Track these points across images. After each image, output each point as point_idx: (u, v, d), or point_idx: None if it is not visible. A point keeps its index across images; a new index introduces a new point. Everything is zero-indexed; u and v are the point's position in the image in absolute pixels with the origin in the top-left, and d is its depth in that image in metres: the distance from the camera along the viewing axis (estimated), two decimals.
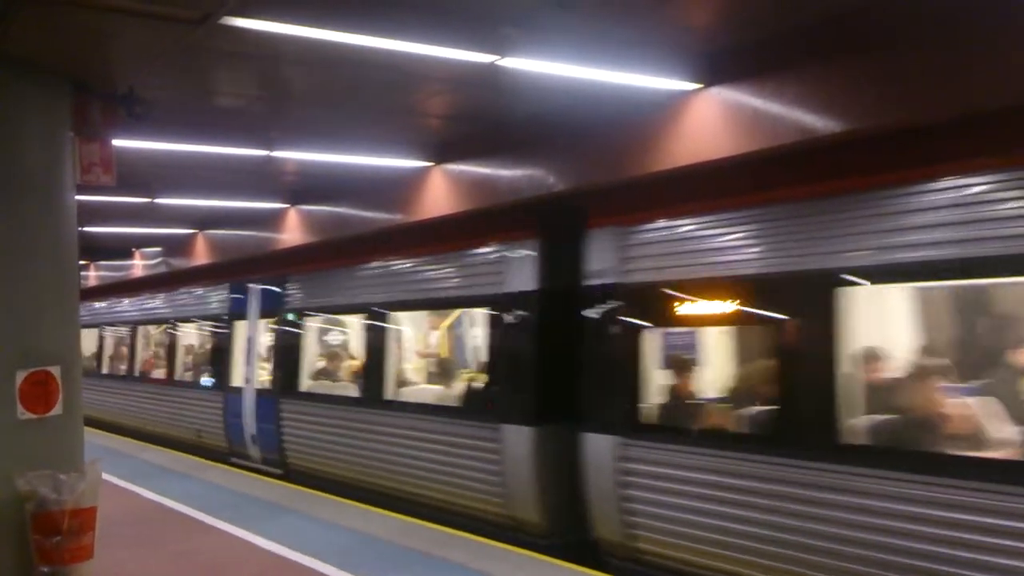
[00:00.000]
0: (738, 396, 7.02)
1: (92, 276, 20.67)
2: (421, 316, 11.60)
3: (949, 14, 4.95)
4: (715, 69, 6.18)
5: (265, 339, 12.95)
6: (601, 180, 7.24)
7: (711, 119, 6.22)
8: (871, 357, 6.12)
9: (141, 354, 17.83)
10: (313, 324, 12.18)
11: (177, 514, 8.98)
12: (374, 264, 10.72)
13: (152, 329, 17.59)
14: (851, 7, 5.31)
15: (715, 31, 5.88)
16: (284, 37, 5.17)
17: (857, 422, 5.80)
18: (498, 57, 5.62)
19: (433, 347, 11.98)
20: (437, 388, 10.20)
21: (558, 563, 7.02)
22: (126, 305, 19.11)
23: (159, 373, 16.54)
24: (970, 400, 5.78)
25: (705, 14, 5.65)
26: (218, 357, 14.09)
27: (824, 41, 5.56)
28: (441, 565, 6.93)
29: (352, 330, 12.30)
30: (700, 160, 6.34)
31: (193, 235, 15.10)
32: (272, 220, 12.38)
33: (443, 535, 7.97)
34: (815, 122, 5.58)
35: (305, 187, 11.15)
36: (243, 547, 7.56)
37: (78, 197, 5.74)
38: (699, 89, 6.30)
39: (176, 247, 15.90)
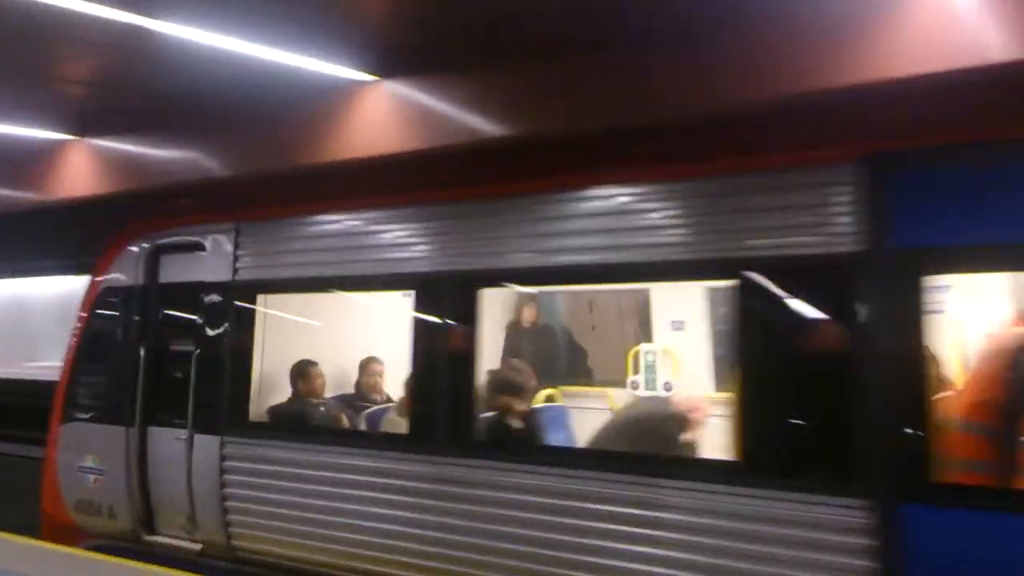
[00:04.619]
0: None
1: None
2: None
3: (624, 30, 5.17)
4: (390, 62, 6.00)
5: None
6: (265, 167, 6.81)
7: (382, 112, 6.06)
8: None
9: None
10: None
11: None
12: None
13: None
14: (521, 15, 5.38)
15: (390, 24, 5.70)
16: None
17: None
18: (146, 18, 5.01)
19: None
20: None
21: None
22: None
23: None
24: None
25: (378, 5, 5.46)
26: None
27: (495, 45, 5.60)
28: None
29: None
30: (370, 154, 6.15)
31: None
32: None
33: None
34: (482, 124, 5.62)
35: None
36: None
37: None
38: (374, 81, 6.11)
39: None
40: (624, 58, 5.17)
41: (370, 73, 6.08)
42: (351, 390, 7.24)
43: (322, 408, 6.83)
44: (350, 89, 6.19)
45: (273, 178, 6.93)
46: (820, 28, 4.56)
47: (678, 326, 7.41)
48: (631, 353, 7.43)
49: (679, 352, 7.35)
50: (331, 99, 6.29)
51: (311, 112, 6.44)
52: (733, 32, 4.81)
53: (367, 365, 7.20)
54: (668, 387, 7.12)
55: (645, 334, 7.71)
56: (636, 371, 7.41)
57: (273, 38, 5.52)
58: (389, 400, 7.04)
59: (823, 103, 4.67)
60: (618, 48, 5.20)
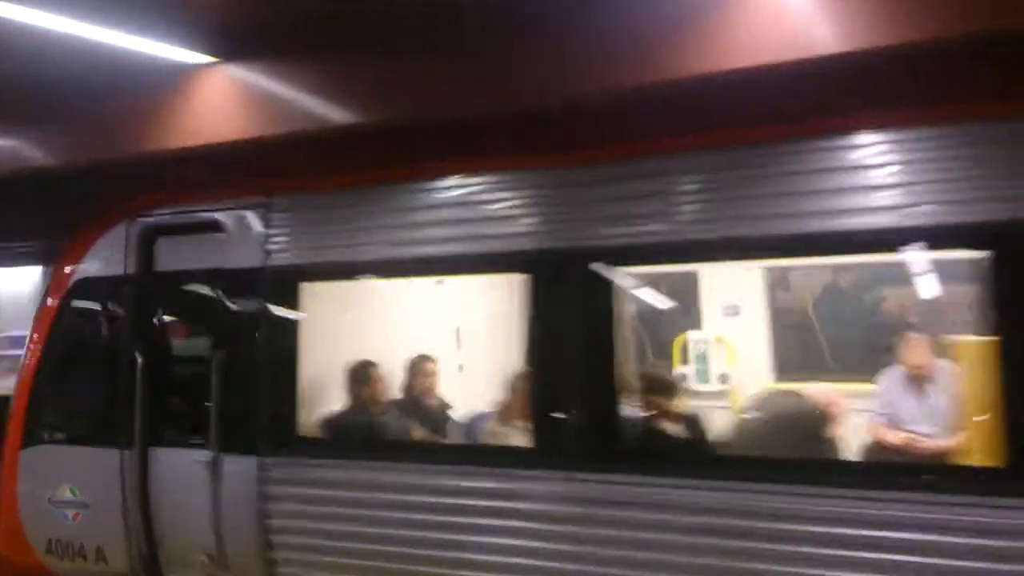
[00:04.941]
0: None
1: None
2: None
3: (470, 26, 5.06)
4: (231, 44, 5.70)
5: None
6: (98, 156, 6.38)
7: (222, 97, 5.78)
8: None
9: None
10: None
11: None
12: None
13: None
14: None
15: (230, 3, 5.44)
16: None
17: None
18: None
19: None
20: None
21: None
22: None
23: None
24: None
25: None
26: None
27: (343, 32, 5.42)
28: None
29: None
30: (211, 141, 5.85)
31: None
32: None
33: None
34: (327, 111, 5.41)
35: None
36: None
37: None
38: (214, 63, 5.81)
39: None
40: (469, 46, 5.10)
41: (209, 55, 5.78)
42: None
43: (393, 417, 5.84)
44: (188, 72, 5.86)
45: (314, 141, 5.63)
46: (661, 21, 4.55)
47: (732, 311, 6.68)
48: (678, 342, 6.72)
49: (734, 340, 6.58)
50: (167, 83, 5.93)
51: (144, 96, 6.04)
52: (581, 23, 4.79)
53: (420, 364, 6.23)
54: (724, 379, 6.48)
55: (691, 321, 6.88)
56: (685, 361, 6.69)
57: (102, 16, 5.14)
58: (445, 404, 6.21)
59: None
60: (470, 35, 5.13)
